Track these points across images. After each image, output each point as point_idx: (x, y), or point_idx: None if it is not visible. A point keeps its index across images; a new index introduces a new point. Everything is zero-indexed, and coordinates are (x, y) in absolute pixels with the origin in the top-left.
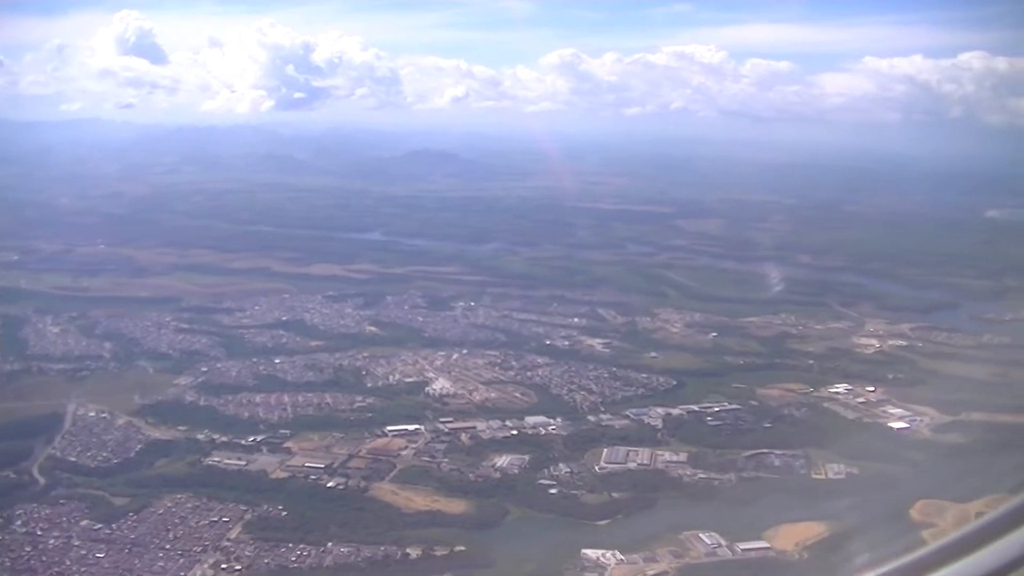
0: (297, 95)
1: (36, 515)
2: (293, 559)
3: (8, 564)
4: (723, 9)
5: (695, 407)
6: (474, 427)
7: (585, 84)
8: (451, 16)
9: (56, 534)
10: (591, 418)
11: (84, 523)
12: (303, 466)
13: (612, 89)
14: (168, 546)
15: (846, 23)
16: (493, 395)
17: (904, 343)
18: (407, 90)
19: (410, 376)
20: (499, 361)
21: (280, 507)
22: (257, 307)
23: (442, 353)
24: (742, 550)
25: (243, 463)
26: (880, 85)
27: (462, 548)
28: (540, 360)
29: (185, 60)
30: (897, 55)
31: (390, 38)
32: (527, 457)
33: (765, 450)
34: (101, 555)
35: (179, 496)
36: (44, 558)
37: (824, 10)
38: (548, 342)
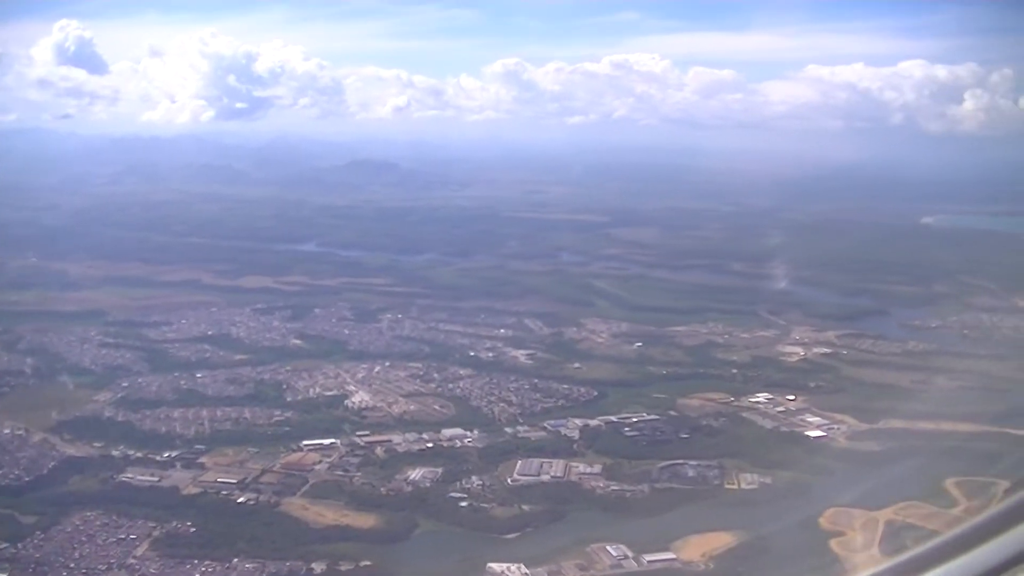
0: (239, 105)
1: None
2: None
3: None
4: (667, 18)
5: (613, 418)
6: (390, 440)
7: (528, 93)
8: (393, 26)
9: None
10: (508, 430)
11: None
12: (215, 481)
13: (555, 98)
14: (72, 565)
15: (789, 31)
16: (412, 407)
17: (829, 351)
18: (350, 100)
19: (331, 389)
20: (421, 373)
21: (189, 523)
22: (184, 321)
23: (364, 366)
24: (648, 562)
25: (156, 479)
26: (822, 92)
27: (367, 563)
28: (462, 372)
29: (126, 70)
30: (839, 63)
31: (332, 48)
32: (440, 470)
33: (680, 461)
34: (4, 575)
35: (89, 514)
36: None
37: (767, 18)
38: (472, 354)
